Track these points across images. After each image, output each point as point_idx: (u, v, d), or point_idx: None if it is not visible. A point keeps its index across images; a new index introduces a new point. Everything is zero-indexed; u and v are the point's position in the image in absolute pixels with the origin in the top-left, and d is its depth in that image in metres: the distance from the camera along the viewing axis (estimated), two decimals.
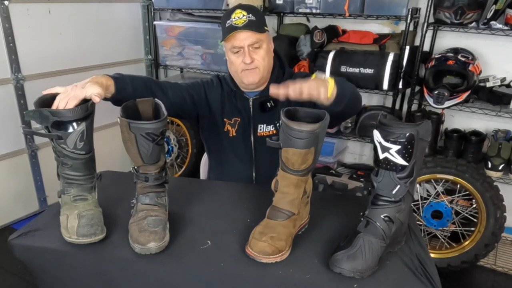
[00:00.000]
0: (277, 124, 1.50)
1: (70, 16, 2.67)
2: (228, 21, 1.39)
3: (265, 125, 1.51)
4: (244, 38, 1.38)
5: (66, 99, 1.06)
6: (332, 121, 1.20)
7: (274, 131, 1.51)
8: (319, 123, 0.99)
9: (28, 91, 2.49)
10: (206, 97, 1.53)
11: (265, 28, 1.43)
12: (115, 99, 1.25)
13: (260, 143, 1.52)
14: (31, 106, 2.49)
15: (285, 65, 1.56)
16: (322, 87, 1.13)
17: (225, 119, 1.53)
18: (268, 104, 1.48)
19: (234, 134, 1.53)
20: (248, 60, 1.40)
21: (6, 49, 2.35)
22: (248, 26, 1.37)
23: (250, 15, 1.38)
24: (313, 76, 1.14)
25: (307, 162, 1.01)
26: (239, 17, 1.37)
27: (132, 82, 1.31)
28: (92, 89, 1.12)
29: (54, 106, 1.06)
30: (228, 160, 1.58)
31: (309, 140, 0.98)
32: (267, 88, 1.51)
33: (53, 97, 1.09)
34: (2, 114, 2.43)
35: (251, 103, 1.50)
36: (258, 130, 1.52)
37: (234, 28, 1.38)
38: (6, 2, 2.29)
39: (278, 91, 1.15)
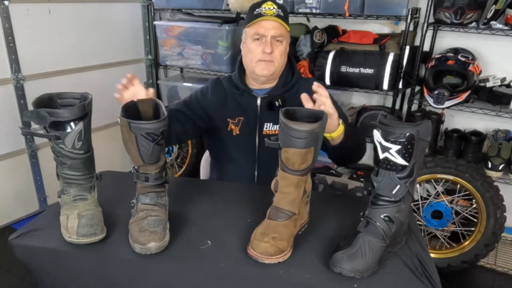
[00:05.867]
0: None
1: (70, 16, 2.66)
2: (257, 9, 1.42)
3: (271, 123, 1.51)
4: (270, 27, 1.41)
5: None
6: (334, 159, 1.44)
7: None
8: (318, 123, 0.99)
9: (28, 91, 2.48)
10: (205, 110, 1.53)
11: (288, 28, 1.46)
12: None
13: (265, 141, 1.52)
14: (31, 106, 2.49)
15: (295, 67, 1.57)
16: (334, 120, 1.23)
17: (228, 119, 1.53)
18: (276, 103, 1.49)
19: (238, 132, 1.53)
20: (268, 49, 1.41)
21: (6, 49, 2.35)
22: (277, 17, 1.41)
23: (280, 10, 1.42)
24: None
25: (307, 161, 1.01)
26: (270, 8, 1.41)
27: None
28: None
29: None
30: (230, 159, 1.58)
31: (309, 139, 0.98)
32: (275, 87, 1.52)
33: (50, 97, 1.09)
34: (2, 114, 2.42)
35: (259, 101, 1.51)
36: (264, 129, 1.52)
37: (262, 15, 1.41)
38: (6, 2, 2.29)
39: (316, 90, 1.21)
